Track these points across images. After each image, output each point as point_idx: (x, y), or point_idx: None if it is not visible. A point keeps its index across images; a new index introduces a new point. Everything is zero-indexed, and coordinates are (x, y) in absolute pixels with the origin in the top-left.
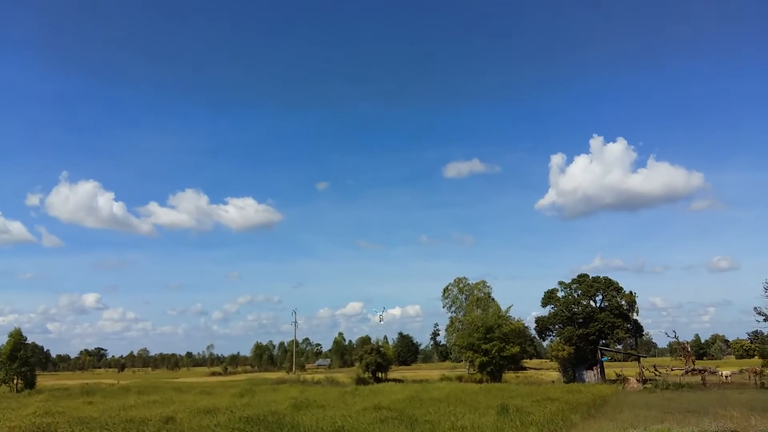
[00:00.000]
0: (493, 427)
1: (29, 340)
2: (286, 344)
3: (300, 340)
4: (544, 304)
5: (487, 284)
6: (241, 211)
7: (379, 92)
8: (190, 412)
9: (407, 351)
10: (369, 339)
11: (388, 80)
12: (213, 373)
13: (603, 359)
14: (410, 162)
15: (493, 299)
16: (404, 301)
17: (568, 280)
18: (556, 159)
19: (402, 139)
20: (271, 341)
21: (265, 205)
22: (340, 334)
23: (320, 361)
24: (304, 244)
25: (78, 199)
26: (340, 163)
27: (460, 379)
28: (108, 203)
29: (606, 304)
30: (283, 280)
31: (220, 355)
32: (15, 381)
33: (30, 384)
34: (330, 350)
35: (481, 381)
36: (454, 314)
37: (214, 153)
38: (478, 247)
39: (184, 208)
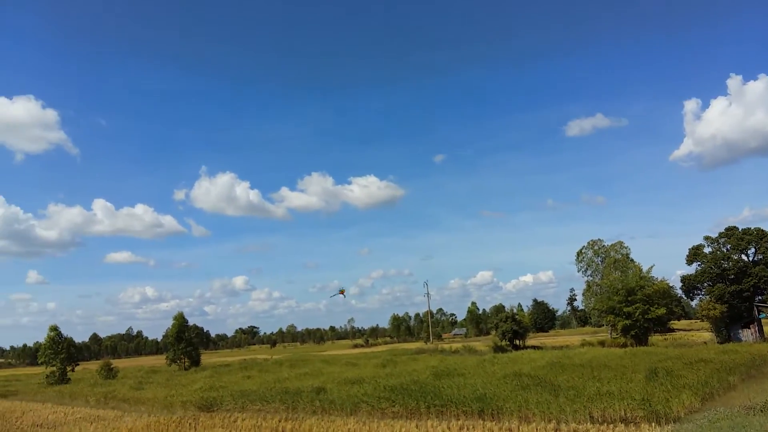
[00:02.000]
0: (642, 392)
1: (190, 323)
2: (421, 315)
3: (434, 311)
4: (690, 262)
5: (625, 245)
6: (365, 189)
7: (485, 56)
8: (338, 382)
9: (543, 317)
10: (503, 307)
11: (492, 41)
12: (355, 345)
13: (761, 316)
14: (527, 124)
15: (631, 260)
16: (535, 267)
17: (714, 235)
18: (690, 105)
19: (516, 101)
20: (407, 313)
21: (387, 182)
22: (473, 303)
23: (456, 330)
24: (428, 217)
25: (218, 190)
26: (455, 134)
27: (602, 344)
28: (245, 192)
29: (760, 257)
30: (411, 254)
31: (360, 327)
32: (183, 360)
33: (195, 362)
34: (464, 319)
35: (624, 345)
36: (590, 278)
37: (333, 135)
38: (610, 207)
39: (313, 191)
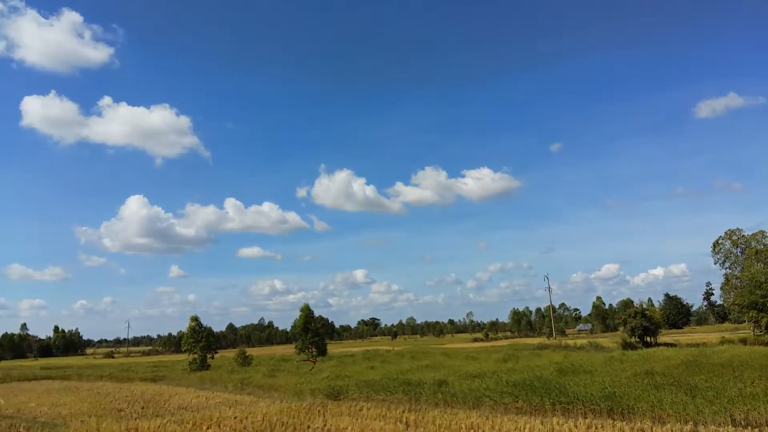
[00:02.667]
0: None
1: (316, 314)
2: (542, 309)
3: (556, 305)
4: None
5: (767, 234)
6: (479, 181)
7: (602, 40)
8: (459, 375)
9: (676, 313)
10: (631, 302)
11: (610, 25)
12: (475, 339)
13: None
14: (653, 107)
15: None
16: (666, 259)
17: None
18: None
19: (639, 84)
20: (527, 307)
21: (501, 173)
22: (599, 297)
23: (581, 325)
24: (547, 209)
25: (336, 187)
26: (573, 121)
27: (744, 341)
28: (361, 188)
29: None
30: (530, 247)
31: (479, 321)
32: (310, 349)
33: (322, 352)
34: (589, 315)
35: None
36: (729, 271)
37: (446, 129)
38: (748, 194)
39: (427, 185)
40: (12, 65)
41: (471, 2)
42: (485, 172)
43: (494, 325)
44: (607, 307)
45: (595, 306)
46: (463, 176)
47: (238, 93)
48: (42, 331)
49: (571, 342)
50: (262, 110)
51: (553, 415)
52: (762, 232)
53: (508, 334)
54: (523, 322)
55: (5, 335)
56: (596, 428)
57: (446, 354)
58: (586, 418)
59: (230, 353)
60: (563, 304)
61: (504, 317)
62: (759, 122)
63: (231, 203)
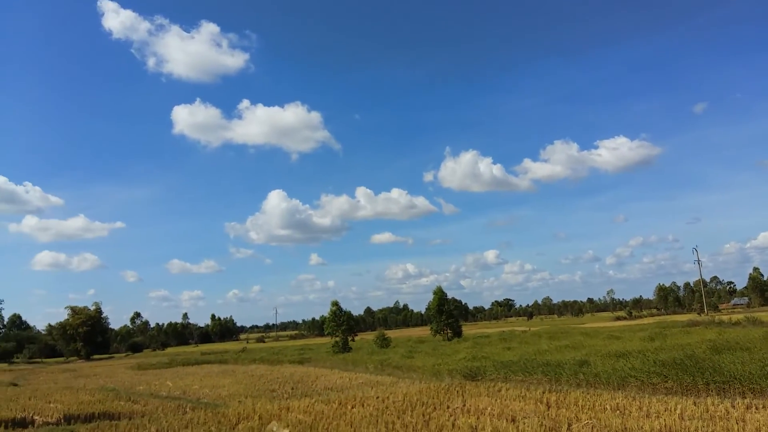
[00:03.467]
0: None
1: (449, 296)
2: (692, 284)
3: (707, 279)
4: None
5: None
6: (614, 152)
7: None
8: (601, 355)
9: None
10: None
11: None
12: (617, 318)
13: None
14: None
15: None
16: None
17: None
18: None
19: None
20: (674, 282)
21: (639, 141)
22: (756, 269)
23: (736, 300)
24: (691, 175)
25: (463, 169)
26: (720, 77)
27: None
28: (488, 168)
29: None
30: (674, 218)
31: (621, 299)
32: (445, 331)
33: (457, 333)
34: (746, 287)
35: None
36: None
37: (574, 99)
38: None
39: (557, 160)
40: (162, 79)
41: None
42: (621, 141)
43: (638, 303)
44: (766, 278)
45: (752, 278)
46: (596, 147)
47: (363, 85)
48: (201, 319)
49: (725, 318)
50: (387, 99)
51: (707, 395)
52: None
53: (654, 311)
54: (670, 299)
55: (170, 324)
56: (756, 408)
57: (586, 333)
58: (745, 398)
59: (369, 336)
60: (715, 278)
61: (648, 294)
62: None
63: (362, 192)
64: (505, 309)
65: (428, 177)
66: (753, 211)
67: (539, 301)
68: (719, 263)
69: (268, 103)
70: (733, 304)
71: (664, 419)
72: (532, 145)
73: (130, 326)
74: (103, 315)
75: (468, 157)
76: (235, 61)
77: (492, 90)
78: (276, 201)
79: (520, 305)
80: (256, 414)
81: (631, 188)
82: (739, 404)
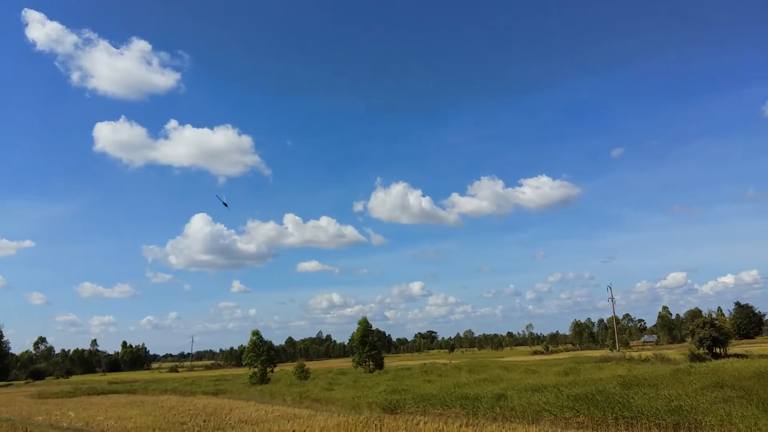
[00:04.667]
0: None
1: (373, 327)
2: (605, 321)
3: (620, 317)
4: None
5: None
6: (537, 190)
7: (665, 42)
8: (518, 389)
9: (748, 323)
10: (700, 312)
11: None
12: (535, 352)
13: None
14: (720, 109)
15: None
16: (737, 266)
17: None
18: None
19: (704, 85)
20: (589, 318)
21: (560, 181)
22: (665, 308)
23: (646, 337)
24: (608, 216)
25: (392, 200)
26: (636, 126)
27: None
28: (417, 200)
29: None
30: (591, 256)
31: (539, 333)
32: (367, 363)
33: (379, 365)
34: (655, 325)
35: None
36: None
37: (501, 138)
38: None
39: (483, 195)
40: (85, 94)
41: (526, 12)
42: (544, 180)
43: (555, 338)
44: (673, 317)
45: (660, 316)
46: (520, 185)
47: (297, 112)
48: (111, 346)
49: (635, 354)
50: (320, 127)
51: (616, 430)
52: None
53: (569, 346)
54: (585, 334)
55: (76, 351)
56: None
57: (505, 367)
58: None
59: (289, 367)
60: (627, 315)
61: (565, 329)
62: None
63: (290, 219)
64: (427, 341)
65: (358, 207)
66: (664, 252)
67: (461, 334)
68: (631, 301)
69: (197, 125)
70: (643, 341)
71: None
72: (461, 180)
73: (33, 352)
74: (4, 339)
75: (398, 188)
76: (165, 80)
77: (425, 125)
78: (200, 225)
79: (443, 337)
80: None
81: (551, 226)
82: None
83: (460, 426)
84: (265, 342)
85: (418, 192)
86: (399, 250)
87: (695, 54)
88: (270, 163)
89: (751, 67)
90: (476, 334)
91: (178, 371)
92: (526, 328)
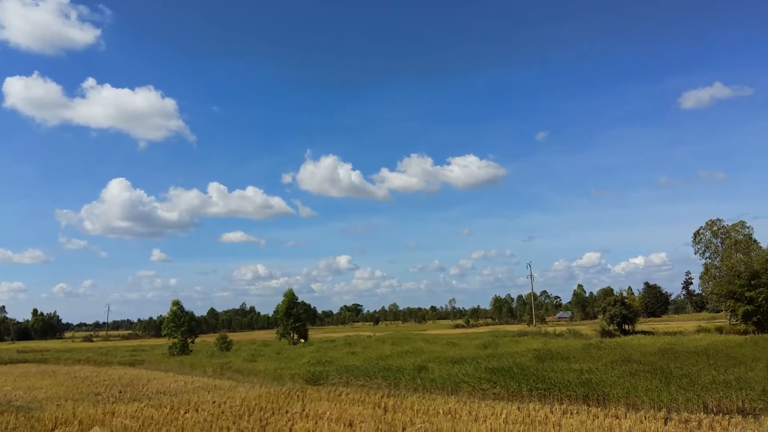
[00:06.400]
0: (764, 383)
1: (299, 300)
2: (524, 297)
3: (538, 293)
4: None
5: (747, 225)
6: (465, 169)
7: (590, 29)
8: (439, 361)
9: (655, 302)
10: (611, 290)
11: (598, 13)
12: (456, 326)
13: None
14: (639, 98)
15: (755, 241)
16: (647, 248)
17: None
18: None
19: (625, 74)
20: (509, 294)
21: (487, 161)
22: (580, 285)
23: (561, 313)
24: (531, 197)
25: (322, 173)
26: (560, 111)
27: (720, 330)
28: (347, 174)
29: None
30: (513, 235)
31: (461, 308)
32: (292, 335)
33: (303, 337)
34: (570, 302)
35: (746, 332)
36: (708, 260)
37: (432, 116)
38: (730, 184)
39: (413, 172)
40: None
41: None
42: (471, 160)
43: (476, 312)
44: (587, 295)
45: (575, 294)
46: (449, 163)
47: (226, 77)
48: (20, 314)
49: (550, 329)
50: (250, 95)
51: (530, 401)
52: (742, 223)
53: (490, 321)
54: (504, 310)
55: None
56: (571, 414)
57: (427, 340)
58: (562, 403)
59: (211, 338)
60: (545, 292)
61: (486, 304)
62: (745, 112)
63: (215, 187)
64: (353, 314)
65: (287, 178)
66: (581, 233)
67: (386, 307)
68: (549, 279)
69: (117, 84)
70: (558, 317)
71: (491, 423)
72: (391, 156)
73: None
74: None
75: (328, 161)
76: (84, 35)
77: (357, 100)
78: (117, 190)
79: (368, 311)
80: (76, 419)
81: (477, 204)
82: (557, 409)
83: (382, 397)
84: (186, 312)
85: (349, 166)
86: (327, 223)
87: (618, 43)
88: (195, 129)
89: (670, 59)
90: (401, 308)
91: (92, 341)
92: (449, 302)
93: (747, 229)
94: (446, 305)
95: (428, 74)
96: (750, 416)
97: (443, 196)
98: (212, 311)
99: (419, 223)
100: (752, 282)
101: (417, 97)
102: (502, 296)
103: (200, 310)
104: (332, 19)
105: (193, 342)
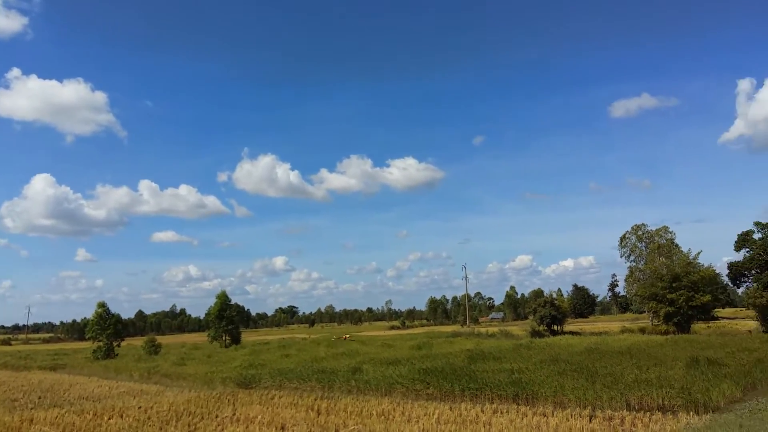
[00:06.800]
0: (682, 380)
1: (232, 302)
2: (458, 298)
3: (472, 294)
4: (738, 248)
5: (670, 230)
6: (404, 171)
7: (528, 37)
8: (374, 363)
9: (583, 303)
10: (542, 292)
11: (536, 22)
12: (392, 327)
13: None
14: (572, 106)
15: (677, 246)
16: (577, 252)
17: (765, 221)
18: (744, 84)
19: (560, 82)
20: (444, 296)
21: (426, 164)
22: (512, 287)
23: (493, 314)
24: (468, 200)
25: (259, 172)
26: (497, 116)
27: (642, 330)
28: (285, 173)
29: None
30: (450, 237)
31: (397, 309)
32: (224, 337)
33: (236, 340)
34: (502, 303)
35: (666, 332)
36: (633, 264)
37: (372, 118)
38: (655, 191)
39: (352, 173)
40: None
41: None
42: (410, 162)
43: (411, 313)
44: (519, 296)
45: (508, 295)
46: (388, 165)
47: (160, 71)
48: None
49: (483, 330)
50: (185, 90)
51: (462, 400)
52: (665, 228)
53: (425, 322)
54: (439, 311)
55: None
56: (501, 413)
57: (363, 342)
58: (493, 403)
59: (139, 341)
60: (478, 293)
61: (422, 305)
62: (670, 122)
63: (146, 185)
64: (288, 316)
65: (222, 177)
66: (515, 236)
67: (322, 309)
68: (483, 280)
69: (43, 76)
70: (491, 318)
71: (423, 423)
72: (330, 157)
73: None
74: None
75: (266, 160)
76: (9, 23)
77: (297, 99)
78: (41, 186)
79: (304, 313)
80: None
81: (415, 206)
82: (488, 409)
83: (315, 399)
84: (113, 315)
85: (287, 165)
86: (264, 223)
87: (553, 52)
88: (126, 124)
89: (601, 69)
90: (337, 310)
91: (11, 344)
92: (386, 304)
93: (669, 234)
94: (383, 307)
95: (369, 76)
96: (669, 413)
97: (382, 198)
98: (140, 313)
99: (358, 225)
100: (673, 284)
101: (357, 99)
102: (438, 297)
103: (127, 313)
104: (273, 15)
105: (119, 345)
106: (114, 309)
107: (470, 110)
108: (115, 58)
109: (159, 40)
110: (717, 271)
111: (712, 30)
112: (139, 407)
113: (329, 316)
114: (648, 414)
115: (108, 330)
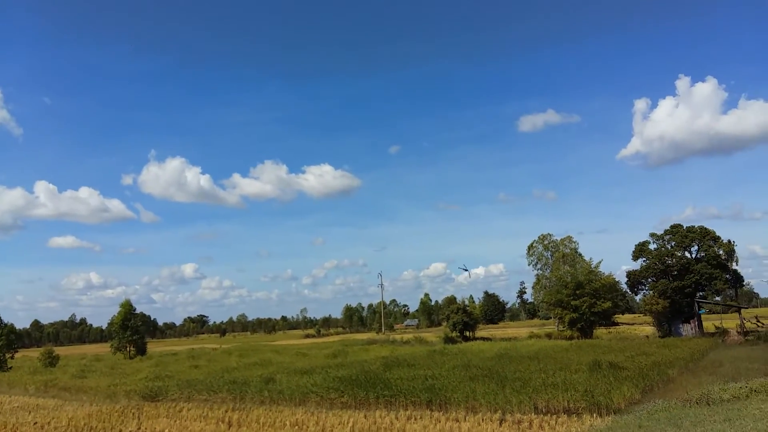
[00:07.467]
0: (586, 384)
1: (137, 311)
2: (374, 306)
3: (387, 302)
4: (636, 258)
5: (573, 240)
6: (320, 178)
7: (441, 51)
8: (288, 372)
9: (494, 310)
10: (455, 299)
11: (449, 37)
12: (307, 336)
13: (700, 312)
14: (483, 119)
15: (580, 255)
16: (487, 260)
17: (660, 232)
18: (640, 104)
19: (472, 96)
20: (360, 303)
21: (342, 171)
22: (426, 294)
23: (408, 321)
24: (384, 208)
25: (167, 175)
26: (412, 126)
27: (549, 336)
28: (195, 177)
29: (702, 254)
30: (366, 244)
31: (313, 318)
32: (128, 348)
33: (141, 351)
34: (417, 311)
35: (571, 338)
36: (540, 272)
37: (288, 123)
38: (560, 203)
39: (267, 179)
40: None
41: (321, 5)
42: (326, 169)
43: (327, 321)
44: (433, 303)
45: (422, 302)
46: (304, 172)
47: (59, 66)
48: None
49: (398, 337)
50: (87, 87)
51: (377, 408)
52: (569, 238)
53: (341, 330)
54: (355, 318)
55: None
56: (415, 419)
57: (276, 351)
58: (407, 409)
59: (35, 353)
60: (394, 300)
61: (337, 313)
62: (573, 138)
63: (43, 186)
64: (198, 325)
65: (127, 180)
66: (429, 244)
67: (234, 318)
68: (398, 288)
69: None
70: (406, 325)
71: None
72: (244, 162)
73: None
74: None
75: (175, 164)
76: None
77: (208, 101)
78: None
79: (214, 322)
80: None
81: (331, 213)
82: (402, 416)
83: (226, 411)
84: (5, 325)
85: (198, 169)
86: (172, 229)
87: (466, 64)
88: (22, 121)
89: (510, 83)
90: (250, 318)
91: None
92: (301, 312)
93: (573, 244)
94: (297, 315)
95: (285, 80)
96: (574, 415)
97: (298, 205)
98: (36, 323)
99: (272, 232)
100: (577, 292)
101: (273, 103)
102: (354, 305)
103: (22, 322)
104: (185, 11)
105: (12, 357)
106: (7, 318)
107: (387, 119)
108: (9, 51)
109: (59, 33)
110: (617, 279)
111: (612, 52)
112: (35, 423)
113: (242, 325)
114: (554, 417)
115: (0, 341)
